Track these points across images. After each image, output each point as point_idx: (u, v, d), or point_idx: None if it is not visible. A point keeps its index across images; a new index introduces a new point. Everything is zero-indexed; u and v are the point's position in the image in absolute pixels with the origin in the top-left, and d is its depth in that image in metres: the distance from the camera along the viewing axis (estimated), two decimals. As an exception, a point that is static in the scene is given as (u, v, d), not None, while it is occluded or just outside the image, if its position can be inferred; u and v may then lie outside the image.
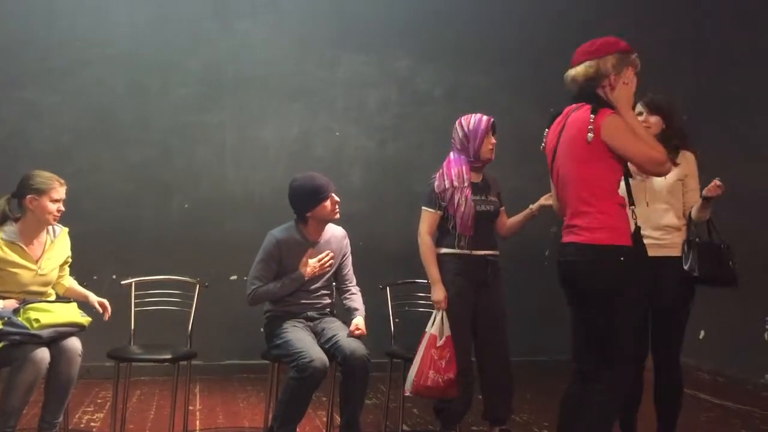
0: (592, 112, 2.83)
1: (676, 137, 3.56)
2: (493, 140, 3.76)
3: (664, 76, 5.91)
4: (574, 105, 2.97)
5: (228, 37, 5.61)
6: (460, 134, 3.74)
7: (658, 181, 3.54)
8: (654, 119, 3.56)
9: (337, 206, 3.72)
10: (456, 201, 3.64)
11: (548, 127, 3.06)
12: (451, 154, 3.77)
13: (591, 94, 2.92)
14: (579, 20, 5.76)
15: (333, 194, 3.71)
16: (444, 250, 3.69)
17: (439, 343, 3.55)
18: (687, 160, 3.58)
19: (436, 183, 3.70)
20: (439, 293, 3.63)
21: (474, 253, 3.68)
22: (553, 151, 2.99)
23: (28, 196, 3.45)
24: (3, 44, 5.23)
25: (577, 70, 2.94)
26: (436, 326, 3.58)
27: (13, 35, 5.24)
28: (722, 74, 5.94)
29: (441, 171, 3.72)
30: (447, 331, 3.57)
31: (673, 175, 3.51)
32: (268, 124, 5.67)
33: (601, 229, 2.83)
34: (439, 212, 3.70)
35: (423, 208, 3.74)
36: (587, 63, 2.92)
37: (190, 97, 5.53)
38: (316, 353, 3.46)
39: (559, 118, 3.01)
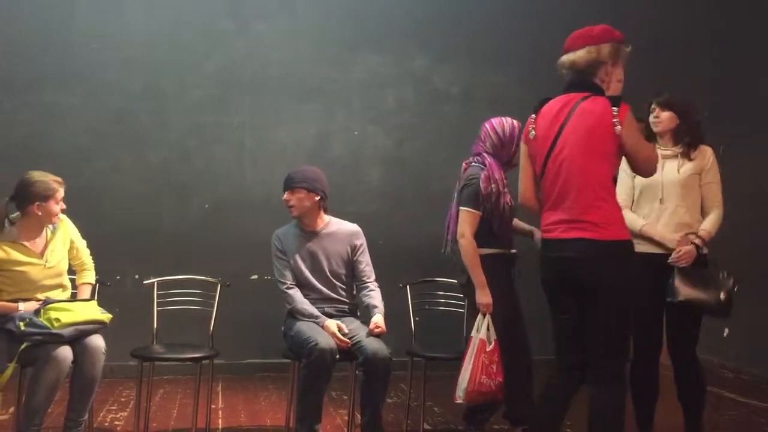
0: (614, 105, 2.75)
1: (690, 135, 3.56)
2: None
3: (685, 72, 5.88)
4: (576, 94, 2.85)
5: (244, 38, 5.62)
6: (495, 139, 3.68)
7: (673, 177, 3.51)
8: (666, 115, 3.56)
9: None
10: (501, 205, 3.59)
11: (535, 114, 2.95)
12: (488, 157, 3.66)
13: (590, 82, 2.84)
14: (598, 18, 5.65)
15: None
16: (489, 251, 3.63)
17: (489, 347, 3.50)
18: (703, 153, 3.57)
19: (483, 185, 3.56)
20: (487, 297, 3.56)
21: (511, 252, 3.71)
22: (551, 141, 2.86)
23: (36, 204, 3.45)
24: (22, 48, 5.27)
25: (578, 55, 2.83)
26: (483, 331, 3.53)
27: (31, 39, 5.28)
28: (750, 68, 5.87)
29: (486, 174, 3.58)
30: (494, 335, 3.53)
31: (688, 170, 3.52)
32: (285, 125, 5.68)
33: (616, 225, 2.80)
34: (480, 213, 3.61)
35: (465, 209, 3.60)
36: (588, 48, 2.82)
37: (207, 98, 5.55)
38: (323, 338, 3.47)
39: (559, 107, 2.87)
